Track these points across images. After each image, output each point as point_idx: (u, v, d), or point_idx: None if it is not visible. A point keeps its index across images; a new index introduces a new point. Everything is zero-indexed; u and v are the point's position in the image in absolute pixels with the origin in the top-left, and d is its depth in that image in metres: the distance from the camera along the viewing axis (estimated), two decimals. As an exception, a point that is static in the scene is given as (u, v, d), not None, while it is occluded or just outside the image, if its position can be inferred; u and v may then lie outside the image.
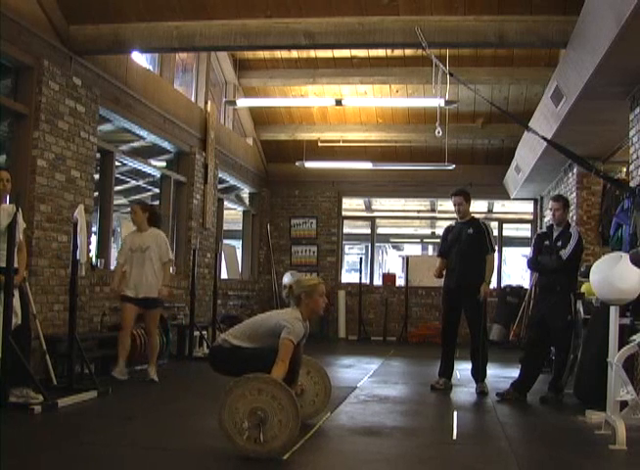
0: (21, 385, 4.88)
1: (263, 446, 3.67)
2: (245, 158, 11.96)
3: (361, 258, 13.92)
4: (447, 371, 6.59)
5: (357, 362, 8.68)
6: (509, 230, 14.93)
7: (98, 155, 7.29)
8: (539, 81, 9.14)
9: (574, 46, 5.89)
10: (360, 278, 12.97)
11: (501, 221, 13.59)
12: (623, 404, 4.52)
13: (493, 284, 11.11)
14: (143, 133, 8.34)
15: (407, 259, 13.37)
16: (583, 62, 5.76)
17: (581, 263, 6.43)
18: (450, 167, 11.13)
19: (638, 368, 5.45)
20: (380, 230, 15.95)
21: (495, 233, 12.21)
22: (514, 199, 12.78)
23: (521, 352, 7.31)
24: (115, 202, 8.74)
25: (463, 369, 7.11)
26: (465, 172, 11.90)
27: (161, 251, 6.47)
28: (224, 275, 11.27)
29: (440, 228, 13.18)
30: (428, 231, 17.38)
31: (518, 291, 11.57)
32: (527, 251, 10.12)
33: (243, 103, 10.73)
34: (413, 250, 19.52)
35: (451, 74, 5.94)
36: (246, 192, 12.90)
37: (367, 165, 12.15)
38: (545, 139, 6.29)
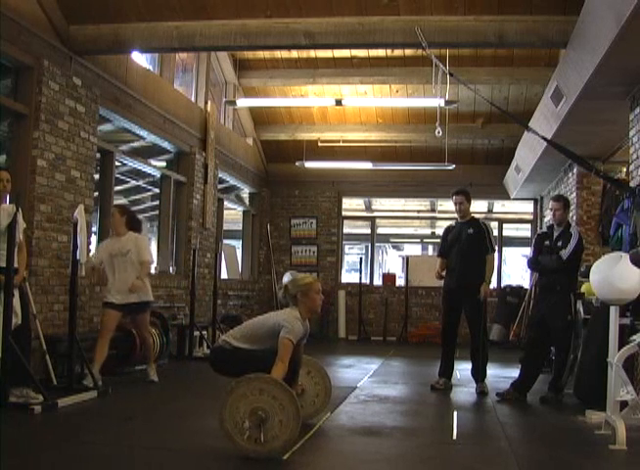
0: (21, 385, 4.88)
1: (264, 445, 3.67)
2: (245, 158, 11.96)
3: (361, 258, 13.92)
4: (447, 371, 6.59)
5: (357, 362, 8.68)
6: (509, 230, 14.93)
7: (98, 155, 7.29)
8: (539, 81, 9.14)
9: (574, 46, 5.89)
10: (360, 278, 12.97)
11: (501, 221, 13.59)
12: (623, 404, 4.52)
13: (493, 284, 11.11)
14: (143, 133, 8.34)
15: (407, 259, 13.38)
16: (583, 62, 5.76)
17: (581, 263, 6.43)
18: (450, 167, 11.13)
19: (638, 368, 5.45)
20: (380, 230, 15.94)
21: (495, 233, 12.21)
22: (514, 199, 12.78)
23: (521, 352, 7.31)
24: (115, 202, 8.72)
25: (463, 369, 7.11)
26: (465, 172, 11.90)
27: (141, 252, 6.23)
28: (224, 275, 11.27)
29: (440, 228, 13.18)
30: (428, 231, 17.38)
31: (518, 291, 11.57)
32: (528, 251, 10.14)
33: (243, 103, 10.73)
34: (413, 250, 19.51)
35: (451, 74, 5.94)
36: (246, 192, 12.91)
37: (367, 165, 12.15)
38: (545, 139, 6.29)
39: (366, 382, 6.89)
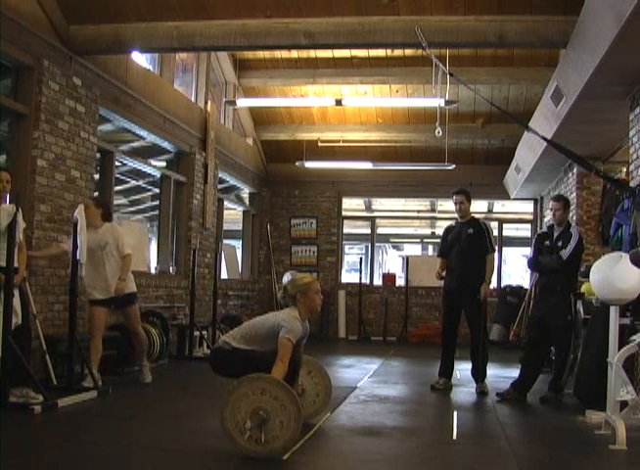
0: (21, 385, 4.88)
1: (264, 446, 3.67)
2: (245, 158, 11.96)
3: (361, 258, 13.92)
4: (447, 371, 6.59)
5: (357, 362, 8.68)
6: (509, 230, 14.92)
7: (98, 155, 7.29)
8: (539, 81, 9.14)
9: (574, 46, 5.89)
10: (360, 278, 12.97)
11: (501, 221, 13.59)
12: (623, 404, 4.52)
13: (493, 284, 11.10)
14: (143, 133, 8.34)
15: (407, 259, 13.38)
16: (583, 62, 5.76)
17: (581, 263, 6.43)
18: (450, 167, 11.13)
19: (638, 368, 5.45)
20: (380, 230, 15.94)
21: (495, 233, 12.19)
22: (514, 199, 12.79)
23: (521, 352, 7.30)
24: (115, 202, 8.73)
25: (463, 369, 7.11)
26: (465, 172, 11.90)
27: (120, 245, 6.08)
28: (224, 275, 11.27)
29: (440, 228, 13.18)
30: (428, 231, 17.38)
31: (518, 291, 11.57)
32: (528, 251, 10.15)
33: (243, 103, 10.73)
34: (413, 250, 19.51)
35: (451, 74, 5.94)
36: (246, 192, 12.91)
37: (367, 165, 12.15)
38: (545, 139, 6.29)
39: (366, 382, 6.89)
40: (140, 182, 10.49)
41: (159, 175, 9.15)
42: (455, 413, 5.24)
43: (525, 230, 14.45)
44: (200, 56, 9.95)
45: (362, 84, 10.43)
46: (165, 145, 8.98)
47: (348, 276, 15.48)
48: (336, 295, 12.73)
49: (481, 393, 6.28)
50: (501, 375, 7.45)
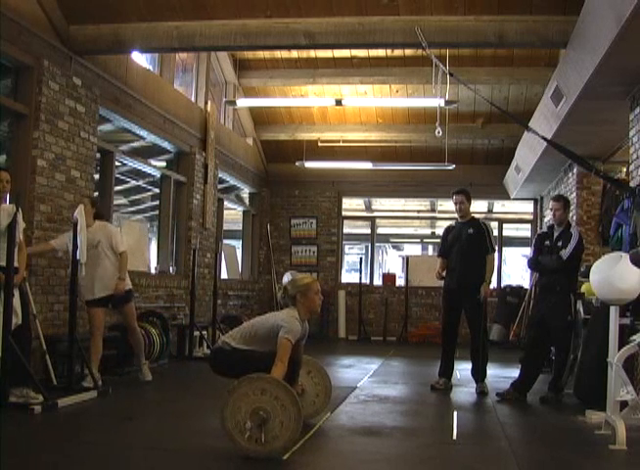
0: (21, 385, 4.88)
1: (264, 446, 3.67)
2: (245, 158, 11.96)
3: (361, 258, 13.92)
4: (447, 371, 6.59)
5: (357, 362, 8.68)
6: (509, 230, 14.92)
7: (98, 155, 7.29)
8: (539, 81, 9.14)
9: (574, 46, 5.89)
10: (360, 278, 12.97)
11: (501, 221, 13.59)
12: (623, 404, 4.52)
13: (493, 284, 11.10)
14: (143, 133, 8.34)
15: (407, 259, 13.38)
16: (583, 62, 5.76)
17: (581, 263, 6.43)
18: (450, 167, 11.13)
19: (638, 368, 5.45)
20: (380, 230, 15.94)
21: (495, 233, 12.20)
22: (514, 199, 12.79)
23: (521, 352, 7.31)
24: (115, 202, 8.73)
25: (463, 369, 7.11)
26: (465, 172, 11.90)
27: (114, 242, 6.06)
28: (224, 275, 11.27)
29: (440, 228, 13.18)
30: (428, 231, 17.38)
31: (518, 291, 11.57)
32: (527, 251, 10.14)
33: (243, 103, 10.73)
34: (413, 250, 19.51)
35: (451, 74, 5.94)
36: (246, 192, 12.91)
37: (367, 165, 12.15)
38: (545, 139, 6.30)
39: (366, 382, 6.89)
40: (140, 182, 10.49)
41: (159, 175, 9.15)
42: (455, 413, 5.24)
43: (525, 230, 14.45)
44: (200, 56, 9.95)
45: (362, 84, 10.43)
46: (165, 145, 8.98)
47: (348, 276, 15.48)
48: (336, 295, 12.73)
49: (481, 393, 6.28)
50: (501, 375, 7.45)
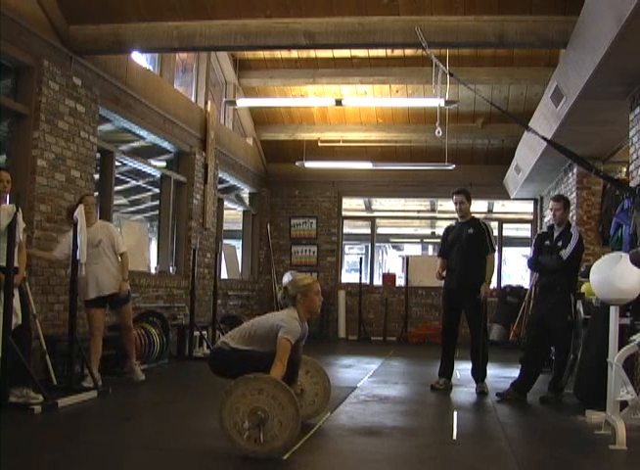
0: (21, 385, 4.88)
1: (263, 445, 3.67)
2: (245, 158, 11.96)
3: (361, 258, 13.91)
4: (447, 371, 6.59)
5: (357, 362, 8.68)
6: (509, 230, 14.92)
7: (98, 155, 7.29)
8: (539, 81, 9.14)
9: (574, 46, 5.89)
10: (360, 278, 12.97)
11: (501, 221, 13.59)
12: (623, 404, 4.52)
13: (493, 284, 11.10)
14: (143, 133, 8.34)
15: (407, 259, 13.37)
16: (583, 62, 5.76)
17: (581, 263, 6.43)
18: (450, 167, 11.13)
19: (638, 368, 5.45)
20: (380, 230, 15.93)
21: (495, 233, 12.19)
22: (514, 199, 12.79)
23: (521, 352, 7.30)
24: (115, 202, 8.73)
25: (463, 369, 7.11)
26: (465, 172, 11.90)
27: (116, 242, 6.09)
28: (224, 275, 11.27)
29: (440, 228, 13.18)
30: (428, 231, 17.37)
31: (518, 291, 11.57)
32: (527, 251, 10.14)
33: (243, 103, 10.73)
34: (413, 250, 19.50)
35: (451, 74, 5.94)
36: (246, 192, 12.91)
37: (367, 165, 12.15)
38: (545, 139, 6.29)
39: (366, 382, 6.89)
40: (140, 182, 10.49)
41: (159, 175, 9.15)
42: (455, 413, 5.24)
43: (525, 230, 14.45)
44: (200, 56, 9.95)
45: (362, 84, 10.43)
46: (165, 145, 8.98)
47: (348, 276, 15.48)
48: (336, 295, 12.73)
49: (481, 393, 6.28)
50: (501, 375, 7.45)
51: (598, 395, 4.92)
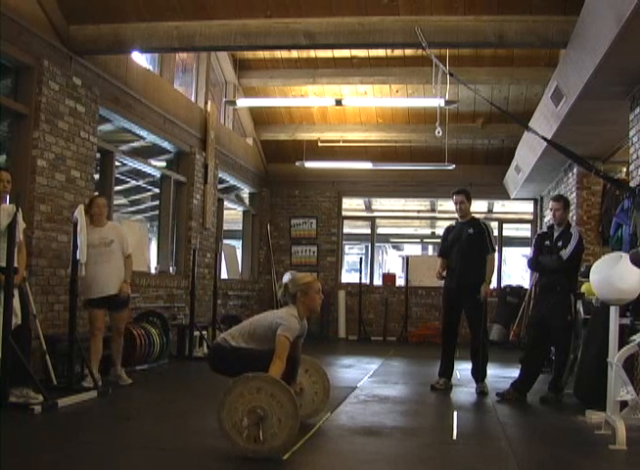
0: (21, 385, 4.88)
1: (263, 444, 3.67)
2: (245, 158, 11.96)
3: (361, 258, 13.92)
4: (447, 371, 6.59)
5: (357, 362, 8.68)
6: (509, 230, 14.93)
7: (98, 155, 7.29)
8: (539, 81, 9.14)
9: (574, 46, 5.89)
10: (360, 278, 12.97)
11: (501, 221, 13.59)
12: (623, 404, 4.52)
13: (493, 284, 11.10)
14: (143, 133, 8.34)
15: (407, 259, 13.37)
16: (583, 62, 5.76)
17: (581, 263, 6.43)
18: (450, 167, 11.13)
19: (638, 368, 5.45)
20: (380, 230, 15.94)
21: (495, 233, 12.19)
22: (514, 199, 12.79)
23: (521, 352, 7.30)
24: (115, 202, 8.73)
25: (463, 369, 7.11)
26: (465, 172, 11.90)
27: (125, 244, 6.16)
28: (224, 275, 11.27)
29: (440, 228, 13.19)
30: (428, 231, 17.38)
31: (518, 291, 11.57)
32: (528, 251, 10.15)
33: (243, 103, 10.73)
34: (413, 250, 19.52)
35: (451, 74, 5.94)
36: (246, 192, 12.91)
37: (367, 165, 12.15)
38: (545, 139, 6.29)
39: (366, 382, 6.89)
40: (140, 182, 10.50)
41: (159, 175, 9.15)
42: (455, 413, 5.24)
43: (525, 230, 14.45)
44: (200, 56, 9.95)
45: (362, 84, 10.43)
46: (165, 145, 8.97)
47: (348, 276, 15.48)
48: (336, 295, 12.73)
49: (481, 393, 6.28)
50: (501, 375, 7.45)
51: (598, 395, 4.92)
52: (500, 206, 14.29)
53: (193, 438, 4.21)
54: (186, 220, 9.38)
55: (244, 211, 12.84)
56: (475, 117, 11.27)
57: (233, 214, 13.31)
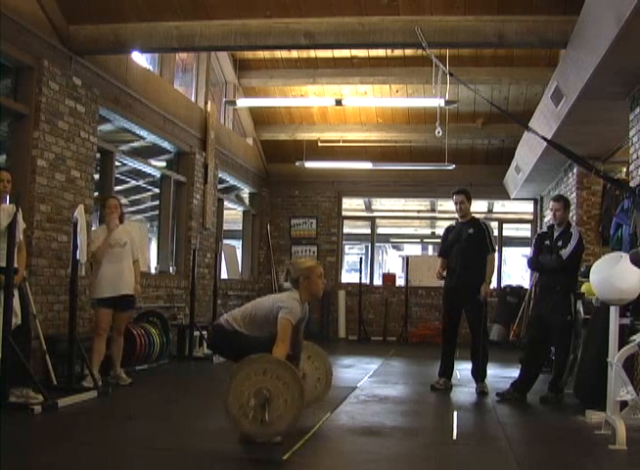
0: (21, 385, 4.88)
1: (269, 427, 3.64)
2: (245, 158, 11.96)
3: (361, 258, 13.92)
4: (447, 371, 6.59)
5: (357, 362, 8.68)
6: (509, 230, 14.92)
7: (98, 155, 7.29)
8: (539, 81, 9.14)
9: (574, 46, 5.89)
10: (360, 278, 12.96)
11: (501, 221, 13.59)
12: (623, 404, 4.52)
13: (493, 284, 11.09)
14: (143, 133, 8.34)
15: (407, 259, 13.37)
16: (583, 62, 5.76)
17: (581, 263, 6.43)
18: (450, 167, 11.13)
19: (638, 368, 5.45)
20: (380, 230, 15.94)
21: (495, 233, 12.18)
22: (514, 199, 12.78)
23: (521, 351, 7.31)
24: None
25: (463, 369, 7.11)
26: (465, 172, 11.89)
27: (135, 247, 6.32)
28: (224, 275, 11.27)
29: (440, 228, 13.19)
30: (428, 231, 17.38)
31: (518, 291, 11.57)
32: (528, 251, 10.14)
33: (243, 103, 10.73)
34: (413, 250, 19.51)
35: (451, 74, 5.94)
36: (246, 192, 12.91)
37: (367, 165, 12.15)
38: (545, 139, 6.29)
39: (366, 382, 6.89)
40: (140, 182, 10.49)
41: (159, 175, 9.15)
42: (455, 413, 5.24)
43: (525, 230, 14.45)
44: (200, 56, 9.95)
45: (362, 84, 10.43)
46: (165, 145, 8.97)
47: (348, 276, 15.48)
48: (336, 295, 12.73)
49: (481, 393, 6.28)
50: (501, 375, 7.45)
51: (598, 395, 4.92)
52: (500, 206, 14.29)
53: (193, 438, 4.21)
54: (186, 220, 9.38)
55: (244, 211, 12.84)
56: (475, 117, 11.26)
57: (233, 214, 13.30)
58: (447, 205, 13.24)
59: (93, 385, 5.59)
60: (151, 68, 8.72)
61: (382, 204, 14.96)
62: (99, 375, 5.86)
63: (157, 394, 6.05)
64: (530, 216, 13.29)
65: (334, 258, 13.12)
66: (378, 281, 13.94)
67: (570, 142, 6.96)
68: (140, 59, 8.24)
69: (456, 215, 6.77)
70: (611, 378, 4.59)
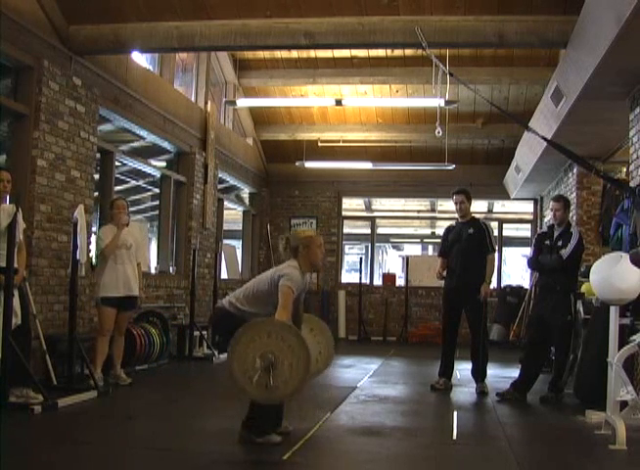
0: (21, 385, 4.88)
1: (274, 391, 3.62)
2: (245, 158, 11.96)
3: (361, 258, 13.91)
4: (447, 371, 6.58)
5: (357, 362, 8.67)
6: (509, 230, 14.92)
7: (98, 155, 7.29)
8: (539, 81, 9.14)
9: (574, 46, 5.89)
10: (360, 278, 12.96)
11: (501, 221, 13.58)
12: (623, 404, 4.52)
13: (493, 284, 11.08)
14: (143, 133, 8.34)
15: (407, 259, 13.37)
16: (583, 62, 5.76)
17: (581, 263, 6.43)
18: (450, 167, 11.14)
19: (638, 368, 5.45)
20: (380, 230, 15.93)
21: (495, 233, 12.17)
22: (514, 199, 12.78)
23: (521, 351, 7.31)
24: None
25: (463, 369, 7.11)
26: (465, 172, 11.89)
27: (140, 250, 6.42)
28: (224, 275, 11.27)
29: (440, 228, 13.18)
30: (428, 231, 17.37)
31: (518, 291, 11.56)
32: (528, 251, 10.14)
33: (243, 103, 10.73)
34: (413, 250, 19.50)
35: (451, 74, 5.94)
36: (246, 192, 12.91)
37: (367, 165, 12.15)
38: (545, 139, 6.29)
39: (366, 382, 6.89)
40: (140, 182, 10.49)
41: (159, 175, 9.15)
42: (455, 413, 5.24)
43: (525, 230, 14.45)
44: (200, 56, 9.95)
45: (362, 84, 10.43)
46: (165, 145, 8.97)
47: (348, 276, 15.48)
48: (336, 295, 12.73)
49: (481, 393, 6.28)
50: (501, 375, 7.45)
51: (598, 395, 4.92)
52: (500, 206, 14.29)
53: (193, 438, 4.21)
54: (186, 220, 9.38)
55: (244, 211, 12.84)
56: (475, 117, 11.26)
57: (233, 214, 13.30)
58: (447, 205, 13.24)
59: (93, 385, 5.59)
60: (151, 68, 8.72)
61: (382, 204, 14.96)
62: (101, 375, 5.86)
63: (157, 394, 6.05)
64: (530, 216, 13.29)
65: (334, 257, 13.11)
66: (378, 281, 13.94)
67: (570, 142, 6.95)
68: (140, 59, 8.24)
69: (456, 215, 6.77)
70: (611, 378, 4.59)
